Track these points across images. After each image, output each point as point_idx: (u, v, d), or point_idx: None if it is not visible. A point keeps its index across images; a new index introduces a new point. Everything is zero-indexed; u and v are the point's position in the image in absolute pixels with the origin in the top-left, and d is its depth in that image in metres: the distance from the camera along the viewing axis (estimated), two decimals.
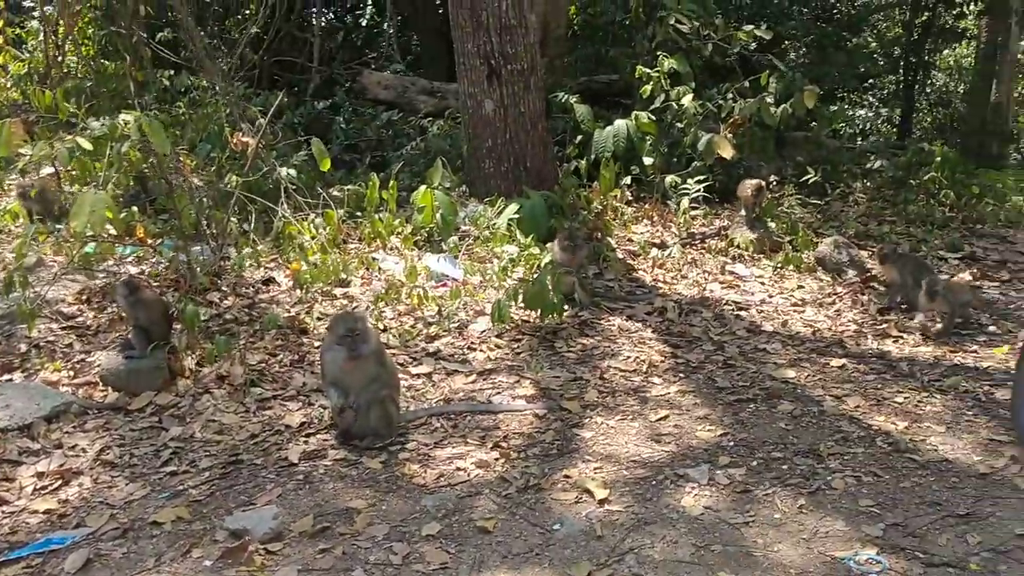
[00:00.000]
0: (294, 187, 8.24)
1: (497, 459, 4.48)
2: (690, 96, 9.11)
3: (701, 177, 8.71)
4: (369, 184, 7.77)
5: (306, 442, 4.67)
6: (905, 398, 5.20)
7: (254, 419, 4.91)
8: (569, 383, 5.47)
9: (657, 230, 8.56)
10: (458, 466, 4.42)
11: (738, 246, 7.97)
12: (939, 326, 6.28)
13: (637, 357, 5.90)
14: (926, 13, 16.24)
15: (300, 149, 11.08)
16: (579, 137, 9.73)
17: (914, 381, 5.49)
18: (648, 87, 8.98)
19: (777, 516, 3.85)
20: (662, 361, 5.85)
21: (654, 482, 4.21)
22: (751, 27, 9.47)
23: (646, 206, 8.98)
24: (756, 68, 9.99)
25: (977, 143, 15.87)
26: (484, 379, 5.55)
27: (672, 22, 9.42)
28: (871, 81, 16.50)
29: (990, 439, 4.63)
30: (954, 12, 16.39)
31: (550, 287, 6.08)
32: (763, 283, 7.56)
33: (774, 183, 9.83)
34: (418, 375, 5.57)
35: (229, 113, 8.42)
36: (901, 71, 16.78)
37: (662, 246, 8.07)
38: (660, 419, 4.96)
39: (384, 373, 4.66)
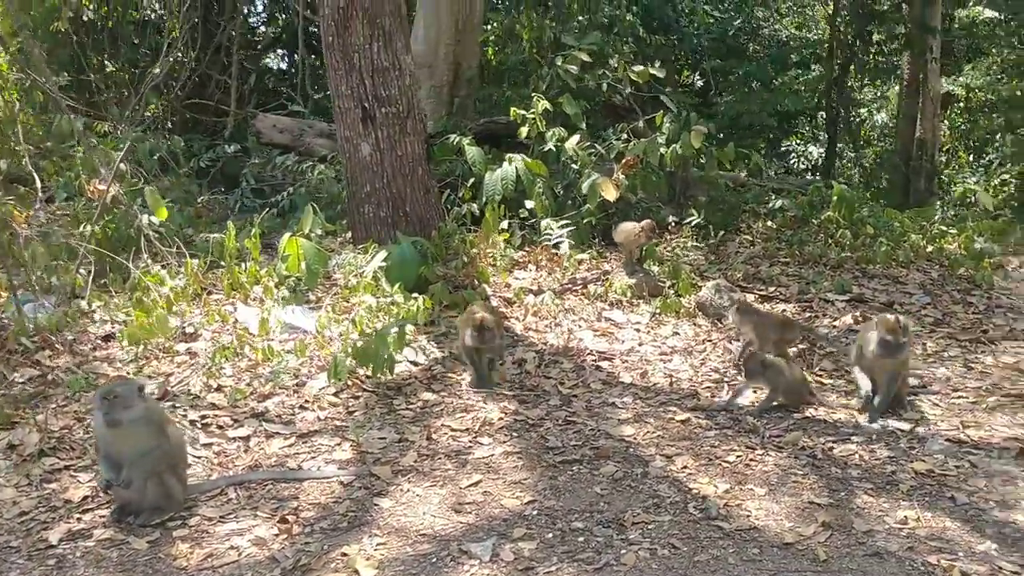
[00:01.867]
0: (157, 236, 7.97)
1: (278, 535, 4.16)
2: (576, 138, 8.90)
3: (566, 221, 8.46)
4: (226, 233, 7.45)
5: (78, 519, 4.33)
6: (738, 456, 4.93)
7: (33, 493, 4.56)
8: (392, 445, 5.17)
9: (540, 276, 8.29)
10: (233, 544, 4.10)
11: (616, 292, 7.70)
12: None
13: (476, 415, 5.59)
14: (846, 51, 16.24)
15: (198, 194, 10.86)
16: (472, 180, 9.48)
17: (755, 437, 5.23)
18: (524, 129, 8.75)
19: None
20: (501, 418, 5.56)
21: (434, 560, 3.90)
22: (640, 67, 9.29)
23: (536, 250, 8.73)
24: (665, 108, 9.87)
25: (904, 180, 15.85)
26: (304, 442, 5.23)
27: (560, 63, 9.25)
28: (799, 120, 16.48)
29: (810, 502, 4.37)
30: (872, 50, 16.39)
31: (389, 342, 5.79)
32: (638, 330, 7.30)
33: (672, 225, 9.63)
34: (235, 439, 5.25)
35: (89, 158, 8.08)
36: (824, 110, 16.75)
37: (539, 292, 7.79)
38: (471, 485, 4.65)
39: (163, 444, 4.33)
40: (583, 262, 8.54)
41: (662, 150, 8.92)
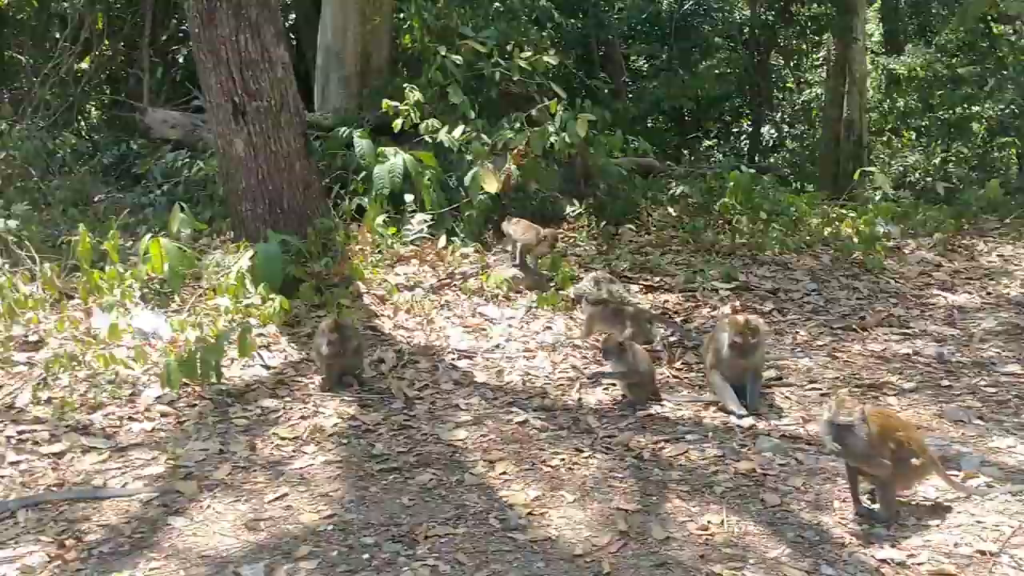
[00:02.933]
0: (14, 240, 7.69)
1: (50, 562, 3.93)
2: (460, 129, 8.69)
3: (425, 216, 8.25)
4: (81, 234, 7.16)
5: None
6: (562, 460, 4.76)
7: None
8: (211, 457, 4.95)
9: (423, 271, 8.07)
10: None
11: (492, 286, 7.50)
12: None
13: (310, 422, 5.38)
14: (767, 32, 16.04)
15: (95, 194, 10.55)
16: (363, 173, 9.24)
17: (589, 437, 5.05)
18: (397, 121, 8.53)
19: None
20: (336, 424, 5.35)
21: None
22: (529, 54, 9.08)
23: (425, 245, 8.53)
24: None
25: (833, 163, 15.75)
26: (120, 457, 5.00)
27: (444, 53, 9.03)
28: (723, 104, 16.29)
29: (617, 508, 4.21)
30: (794, 31, 16.24)
31: (217, 350, 5.57)
32: (511, 326, 7.11)
33: (569, 216, 9.44)
34: (47, 455, 5.00)
35: None
36: (747, 95, 16.55)
37: (414, 288, 7.59)
38: (276, 499, 4.45)
39: None
40: (468, 256, 8.33)
41: (552, 139, 8.71)
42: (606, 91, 12.83)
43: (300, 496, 4.48)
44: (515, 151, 8.89)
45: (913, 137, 16.31)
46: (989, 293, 7.87)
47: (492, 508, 4.25)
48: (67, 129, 12.04)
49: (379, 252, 8.22)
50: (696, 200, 9.92)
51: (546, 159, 9.47)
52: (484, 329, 7.06)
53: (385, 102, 8.77)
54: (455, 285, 7.78)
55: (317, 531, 4.10)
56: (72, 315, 6.72)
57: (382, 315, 7.20)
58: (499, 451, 4.92)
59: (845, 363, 6.16)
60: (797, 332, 6.81)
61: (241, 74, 7.87)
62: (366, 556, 3.86)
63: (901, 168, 15.46)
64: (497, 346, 6.72)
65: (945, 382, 5.72)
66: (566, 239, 9.10)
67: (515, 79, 9.31)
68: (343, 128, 9.46)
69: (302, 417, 5.50)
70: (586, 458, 4.78)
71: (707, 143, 16.59)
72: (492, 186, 8.17)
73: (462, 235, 8.84)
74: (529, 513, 4.18)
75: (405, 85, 8.81)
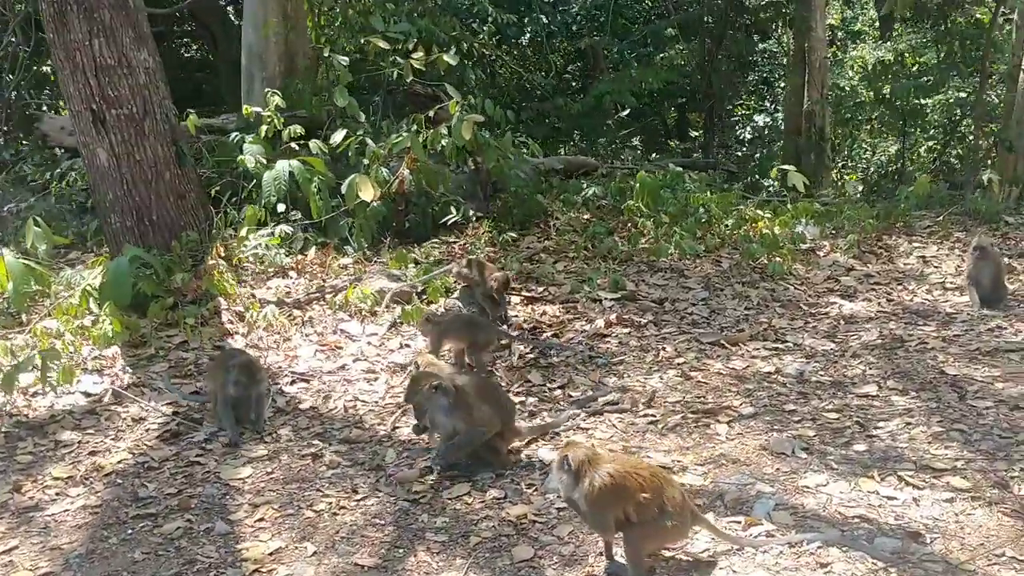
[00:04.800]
0: None
1: None
2: (341, 133, 8.29)
3: (272, 227, 7.90)
4: None
5: None
6: (330, 503, 4.38)
7: None
8: None
9: (299, 283, 7.67)
10: None
11: (357, 300, 7.09)
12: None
13: (96, 458, 5.01)
14: (720, 23, 15.42)
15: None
16: (253, 181, 8.85)
17: (375, 475, 4.64)
18: (263, 128, 8.15)
19: None
20: (121, 461, 4.98)
21: None
22: (419, 55, 8.67)
23: (309, 255, 8.14)
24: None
25: (795, 159, 15.23)
26: None
27: (327, 53, 8.64)
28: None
29: (355, 564, 3.80)
30: (747, 20, 15.64)
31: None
32: (371, 343, 6.71)
33: (473, 219, 9.02)
34: None
35: None
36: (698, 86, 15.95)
37: (279, 304, 7.19)
38: (1, 552, 4.06)
39: None
40: (347, 267, 7.94)
41: (443, 142, 8.31)
42: (537, 91, 12.37)
43: (29, 549, 4.11)
44: (409, 155, 8.48)
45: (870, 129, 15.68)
46: (891, 300, 7.38)
47: (223, 563, 3.86)
48: None
49: (261, 263, 7.83)
50: (609, 202, 9.45)
51: (445, 163, 9.09)
52: (341, 347, 6.67)
53: (245, 107, 8.36)
54: (323, 299, 7.38)
55: None
56: None
57: (236, 334, 6.81)
58: (273, 492, 4.53)
59: (696, 384, 5.70)
60: (663, 348, 6.35)
61: (98, 80, 7.52)
62: None
63: (864, 163, 14.88)
64: (342, 367, 6.33)
65: (790, 406, 5.25)
66: (464, 246, 8.68)
67: (409, 79, 8.87)
68: (235, 134, 9.06)
69: (92, 453, 5.13)
70: (357, 501, 4.37)
71: (675, 141, 16.01)
72: (368, 194, 7.75)
73: (354, 244, 8.44)
74: (256, 571, 3.77)
75: (270, 90, 8.39)
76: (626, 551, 3.50)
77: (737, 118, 17.13)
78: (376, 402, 5.74)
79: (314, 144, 8.19)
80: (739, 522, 3.90)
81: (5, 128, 12.23)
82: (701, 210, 8.83)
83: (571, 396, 5.64)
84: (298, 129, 8.24)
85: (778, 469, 4.43)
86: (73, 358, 6.31)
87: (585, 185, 9.72)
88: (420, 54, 8.85)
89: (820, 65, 15.22)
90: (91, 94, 7.53)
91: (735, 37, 15.19)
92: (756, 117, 17.58)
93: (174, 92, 8.74)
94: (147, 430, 5.41)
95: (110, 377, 6.17)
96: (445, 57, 9.14)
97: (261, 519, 4.25)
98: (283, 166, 8.35)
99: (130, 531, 4.22)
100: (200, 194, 8.35)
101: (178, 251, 7.59)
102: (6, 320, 6.93)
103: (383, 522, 4.14)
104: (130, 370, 6.27)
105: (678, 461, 4.59)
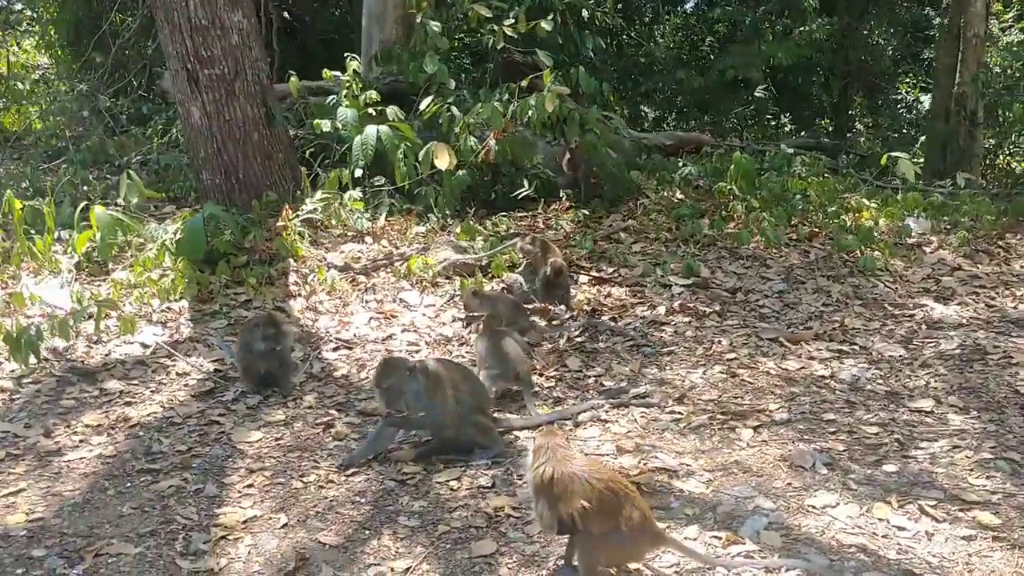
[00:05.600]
0: None
1: None
2: (428, 99, 8.25)
3: (354, 193, 7.87)
4: (8, 200, 7.24)
5: None
6: (320, 475, 4.35)
7: None
8: (2, 439, 4.82)
9: (375, 248, 7.71)
10: None
11: (418, 270, 7.06)
12: None
13: (127, 409, 5.18)
14: None
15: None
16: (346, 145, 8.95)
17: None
18: (343, 92, 8.17)
19: None
20: (149, 415, 5.13)
21: None
22: (512, 22, 8.49)
23: (395, 220, 8.19)
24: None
25: (940, 144, 14.26)
26: None
27: (421, 19, 8.58)
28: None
29: (318, 541, 3.75)
30: None
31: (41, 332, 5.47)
32: (424, 315, 6.68)
33: (564, 197, 8.81)
34: None
35: None
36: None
37: (345, 268, 7.26)
38: (8, 494, 4.26)
39: None
40: (422, 236, 7.92)
41: (529, 113, 8.14)
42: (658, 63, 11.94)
43: (32, 493, 4.27)
44: (505, 124, 8.34)
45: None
46: (990, 306, 6.73)
47: (197, 526, 3.90)
48: (112, 89, 12.33)
49: (343, 225, 7.91)
50: (706, 183, 9.04)
51: (541, 135, 8.92)
52: (395, 316, 6.67)
53: (325, 72, 8.41)
54: (390, 266, 7.38)
55: (7, 535, 3.87)
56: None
57: (298, 296, 6.91)
58: (273, 459, 4.55)
59: (739, 383, 5.37)
60: (718, 341, 6.02)
61: (192, 40, 7.76)
62: (20, 571, 3.60)
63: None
64: (389, 337, 6.32)
65: (830, 415, 4.86)
66: (548, 221, 8.51)
67: (500, 46, 8.72)
68: (331, 97, 9.16)
69: (127, 403, 5.31)
70: (347, 476, 4.33)
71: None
72: (444, 162, 7.66)
73: (437, 212, 8.42)
74: (223, 537, 3.79)
75: (346, 55, 8.39)
76: (579, 558, 3.31)
77: (879, 99, 16.01)
78: None
79: (391, 110, 8.16)
80: (720, 538, 3.62)
81: (140, 84, 12.88)
82: (798, 196, 8.29)
83: (603, 385, 5.42)
84: (373, 95, 8.22)
85: (789, 484, 4.10)
86: (141, 309, 6.55)
87: (682, 164, 9.32)
88: (511, 22, 8.63)
89: (976, 43, 14.05)
90: (186, 53, 7.77)
91: (878, 11, 14.16)
92: (899, 98, 16.42)
93: (315, 51, 8.97)
94: (185, 385, 5.55)
95: (171, 330, 6.36)
96: (543, 24, 8.91)
97: (250, 485, 4.27)
98: (371, 131, 8.38)
99: (129, 484, 4.33)
100: (289, 155, 8.50)
101: (258, 211, 7.76)
102: (94, 268, 7.25)
103: (363, 500, 4.08)
104: (191, 325, 6.45)
105: (686, 465, 4.33)
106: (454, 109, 8.32)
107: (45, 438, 4.87)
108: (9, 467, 4.55)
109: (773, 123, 14.05)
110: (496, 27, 8.90)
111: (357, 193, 7.86)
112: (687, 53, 14.52)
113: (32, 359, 5.56)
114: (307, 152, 9.08)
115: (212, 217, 7.21)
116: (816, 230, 8.01)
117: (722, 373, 5.50)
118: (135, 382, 5.63)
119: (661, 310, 6.56)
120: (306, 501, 4.10)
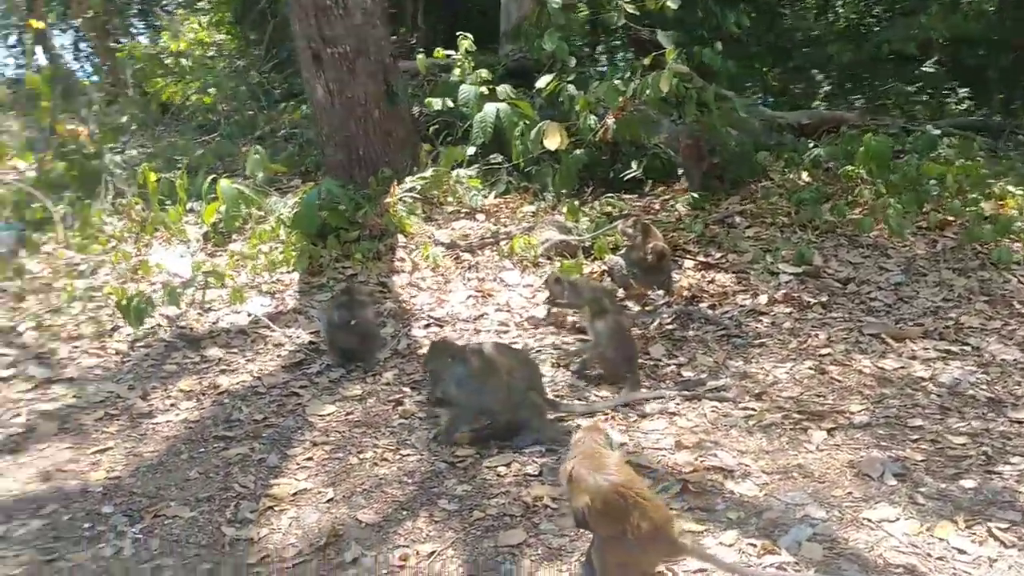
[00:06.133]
0: (123, 174, 8.47)
1: None
2: (547, 78, 8.22)
3: (465, 171, 7.91)
4: (143, 171, 7.73)
5: None
6: (376, 453, 4.45)
7: None
8: (105, 401, 5.21)
9: (485, 226, 7.77)
10: None
11: (520, 250, 7.06)
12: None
13: (220, 378, 5.47)
14: None
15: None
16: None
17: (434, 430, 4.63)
18: (456, 70, 8.20)
19: None
20: (238, 382, 5.40)
21: None
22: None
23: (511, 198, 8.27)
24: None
25: None
26: (42, 388, 5.41)
27: None
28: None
29: (356, 519, 3.84)
30: None
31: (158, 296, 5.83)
32: (521, 295, 6.69)
33: (681, 176, 8.61)
34: None
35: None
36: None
37: (451, 246, 7.36)
38: (97, 451, 4.60)
39: None
40: (532, 214, 7.92)
41: (647, 91, 7.96)
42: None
43: (117, 451, 4.59)
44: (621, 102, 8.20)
45: None
46: None
47: (250, 495, 4.08)
48: (268, 64, 12.89)
49: (459, 202, 8.04)
50: (838, 165, 8.58)
51: (667, 114, 8.70)
52: (492, 295, 6.70)
53: (438, 51, 8.46)
54: (496, 245, 7.41)
55: (85, 490, 4.18)
56: (125, 250, 7.31)
57: (401, 271, 7.06)
58: (338, 434, 4.69)
59: (827, 380, 5.09)
60: (816, 334, 5.73)
61: (317, 20, 7.98)
62: (87, 525, 3.87)
63: None
64: (481, 316, 6.36)
65: (918, 421, 4.54)
66: (664, 203, 8.33)
67: (621, 23, 8.55)
68: (455, 72, 9.24)
69: (221, 371, 5.60)
70: (402, 455, 4.41)
71: None
72: (554, 142, 7.60)
73: (552, 191, 8.40)
74: (270, 508, 3.95)
75: (458, 33, 8.41)
76: (595, 556, 3.25)
77: None
78: None
79: (502, 89, 8.15)
80: (756, 545, 3.46)
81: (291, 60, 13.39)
82: (933, 181, 7.73)
83: (682, 376, 5.27)
84: (484, 73, 8.24)
85: (850, 493, 3.87)
86: (254, 280, 6.88)
87: (812, 145, 8.87)
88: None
89: None
90: (311, 32, 8.01)
91: None
92: None
93: (465, 24, 9.12)
94: (278, 356, 5.80)
95: (277, 301, 6.64)
96: (669, 2, 8.67)
97: (310, 458, 4.42)
98: (491, 109, 8.42)
99: (202, 450, 4.57)
100: (409, 132, 8.65)
101: (374, 186, 7.95)
102: (219, 239, 7.64)
103: (410, 481, 4.15)
104: (297, 297, 6.71)
105: (745, 465, 4.16)
106: (570, 87, 8.21)
107: (141, 400, 5.20)
108: (104, 426, 4.89)
109: (947, 100, 13.05)
110: (619, 3, 8.72)
111: (468, 171, 7.92)
112: (845, 27, 13.72)
113: (142, 325, 5.92)
114: (431, 129, 9.21)
115: (328, 192, 7.43)
116: (949, 218, 7.44)
117: (811, 369, 5.23)
118: (234, 350, 5.92)
119: (763, 299, 6.30)
120: (356, 478, 4.21)
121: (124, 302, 5.79)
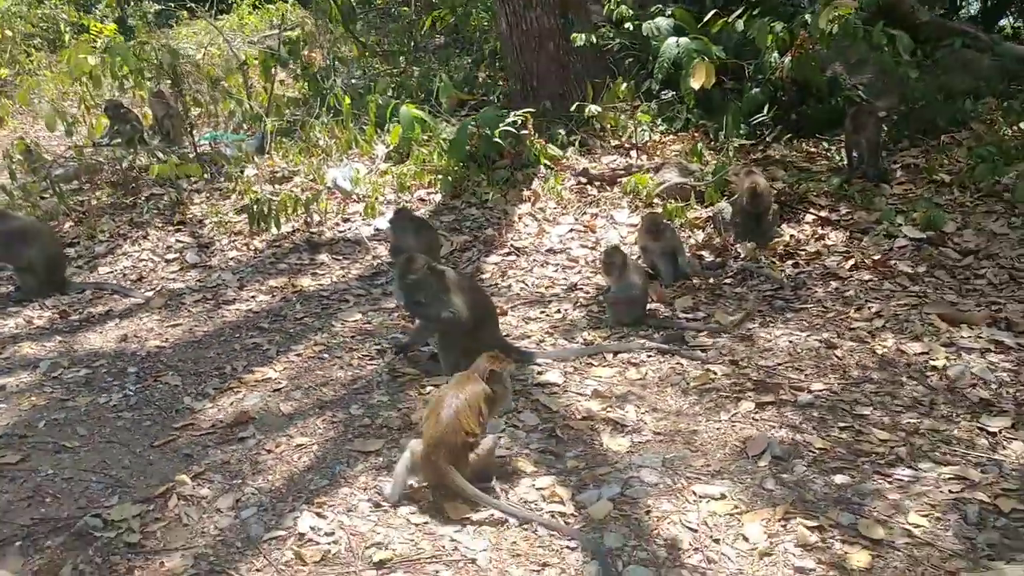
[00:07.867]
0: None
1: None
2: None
3: (594, 108, 7.88)
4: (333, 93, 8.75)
5: None
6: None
7: None
8: (213, 287, 6.32)
9: (633, 161, 7.92)
10: None
11: (640, 190, 7.16)
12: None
13: (298, 281, 6.34)
14: None
15: None
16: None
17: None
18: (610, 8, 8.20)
19: None
20: (322, 286, 6.24)
21: None
22: None
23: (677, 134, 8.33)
24: None
25: None
26: (176, 268, 6.67)
27: None
28: None
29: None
30: None
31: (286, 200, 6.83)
32: (619, 233, 6.86)
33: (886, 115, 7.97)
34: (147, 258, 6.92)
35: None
36: None
37: (584, 175, 7.63)
38: (164, 323, 5.68)
39: None
40: (676, 151, 7.92)
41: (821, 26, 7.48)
42: None
43: (183, 327, 5.62)
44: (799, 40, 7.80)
45: None
46: None
47: (228, 376, 4.88)
48: None
49: (623, 135, 8.25)
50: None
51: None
52: (596, 230, 6.92)
53: None
54: (621, 181, 7.53)
55: (135, 353, 5.23)
56: (312, 162, 8.44)
57: (526, 201, 7.45)
58: (342, 337, 5.33)
59: (823, 356, 4.72)
60: (868, 306, 5.30)
61: None
62: (110, 379, 4.91)
63: None
64: (564, 250, 6.63)
65: (866, 410, 4.16)
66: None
67: None
68: (656, 6, 9.18)
69: (313, 274, 6.48)
70: (363, 364, 4.95)
71: None
72: (699, 80, 7.44)
73: (726, 131, 8.25)
74: (230, 388, 4.69)
75: None
76: None
77: None
78: (573, 284, 6.07)
79: (646, 26, 8.01)
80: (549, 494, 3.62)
81: None
82: None
83: (678, 329, 5.24)
84: (626, 10, 8.14)
85: (707, 466, 3.78)
86: (398, 198, 7.66)
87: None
88: None
89: None
90: None
91: None
92: None
93: None
94: (369, 265, 6.56)
95: None
96: None
97: (299, 355, 5.12)
98: (671, 42, 8.35)
99: (237, 335, 5.46)
100: (587, 65, 8.84)
101: (532, 118, 8.32)
102: (398, 158, 8.50)
103: (347, 385, 4.68)
104: (425, 216, 7.37)
105: (642, 423, 4.18)
106: (739, 23, 7.89)
107: (237, 291, 6.23)
108: (191, 305, 6.00)
109: None
110: None
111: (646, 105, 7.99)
112: None
113: (278, 228, 6.98)
114: (627, 62, 9.28)
115: (484, 120, 7.94)
116: None
117: (819, 342, 4.91)
118: (339, 257, 6.77)
119: (849, 263, 5.90)
120: (315, 376, 4.83)
121: (251, 208, 6.84)
